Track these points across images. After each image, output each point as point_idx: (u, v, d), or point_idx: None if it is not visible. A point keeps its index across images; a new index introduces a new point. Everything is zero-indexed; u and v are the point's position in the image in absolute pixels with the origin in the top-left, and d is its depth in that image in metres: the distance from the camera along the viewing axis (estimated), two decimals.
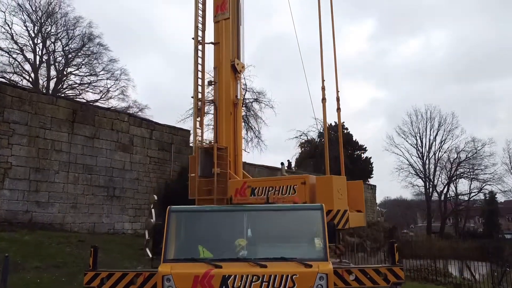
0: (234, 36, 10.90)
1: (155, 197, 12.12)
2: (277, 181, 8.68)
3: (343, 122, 48.35)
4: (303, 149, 49.58)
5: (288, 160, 36.68)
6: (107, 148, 15.46)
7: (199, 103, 10.57)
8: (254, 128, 30.91)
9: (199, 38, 10.84)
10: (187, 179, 10.32)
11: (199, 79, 10.56)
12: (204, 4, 11.07)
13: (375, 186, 38.76)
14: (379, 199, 73.42)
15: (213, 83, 10.89)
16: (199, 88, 10.58)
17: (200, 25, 10.92)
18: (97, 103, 34.75)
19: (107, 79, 34.48)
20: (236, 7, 11.09)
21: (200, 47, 10.79)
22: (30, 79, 33.17)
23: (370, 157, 45.75)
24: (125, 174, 15.99)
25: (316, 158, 42.89)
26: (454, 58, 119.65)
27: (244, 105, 30.19)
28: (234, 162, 10.32)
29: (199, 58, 10.69)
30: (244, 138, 30.79)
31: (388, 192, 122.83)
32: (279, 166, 37.95)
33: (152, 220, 11.15)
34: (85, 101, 28.14)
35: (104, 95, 35.34)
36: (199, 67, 10.62)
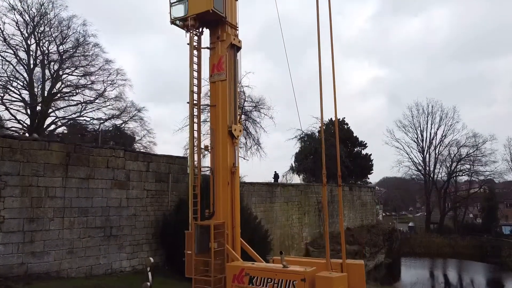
0: (231, 99, 10.37)
1: (152, 259, 11.89)
2: (276, 272, 8.42)
3: (344, 118, 47.87)
4: (303, 143, 49.26)
5: (275, 171, 36.81)
6: (103, 187, 15.12)
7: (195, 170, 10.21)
8: (253, 135, 30.58)
9: (195, 101, 10.33)
10: (185, 211, 10.14)
11: (194, 147, 10.16)
12: (199, 65, 10.47)
13: (374, 187, 38.69)
14: (378, 178, 73.12)
15: (209, 148, 10.46)
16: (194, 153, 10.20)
17: (195, 87, 10.36)
18: (93, 103, 34.40)
19: (103, 81, 33.82)
20: (233, 67, 10.50)
21: (195, 110, 10.31)
22: (25, 81, 32.51)
23: (370, 154, 45.52)
24: (122, 211, 15.71)
25: (317, 155, 42.66)
26: (455, 36, 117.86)
27: (243, 113, 29.72)
28: (232, 234, 10.04)
29: (194, 124, 10.23)
30: (242, 146, 30.47)
31: (387, 170, 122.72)
32: (276, 177, 37.52)
33: (148, 283, 10.95)
34: (79, 139, 27.44)
35: (100, 95, 34.76)
36: (195, 134, 10.20)
